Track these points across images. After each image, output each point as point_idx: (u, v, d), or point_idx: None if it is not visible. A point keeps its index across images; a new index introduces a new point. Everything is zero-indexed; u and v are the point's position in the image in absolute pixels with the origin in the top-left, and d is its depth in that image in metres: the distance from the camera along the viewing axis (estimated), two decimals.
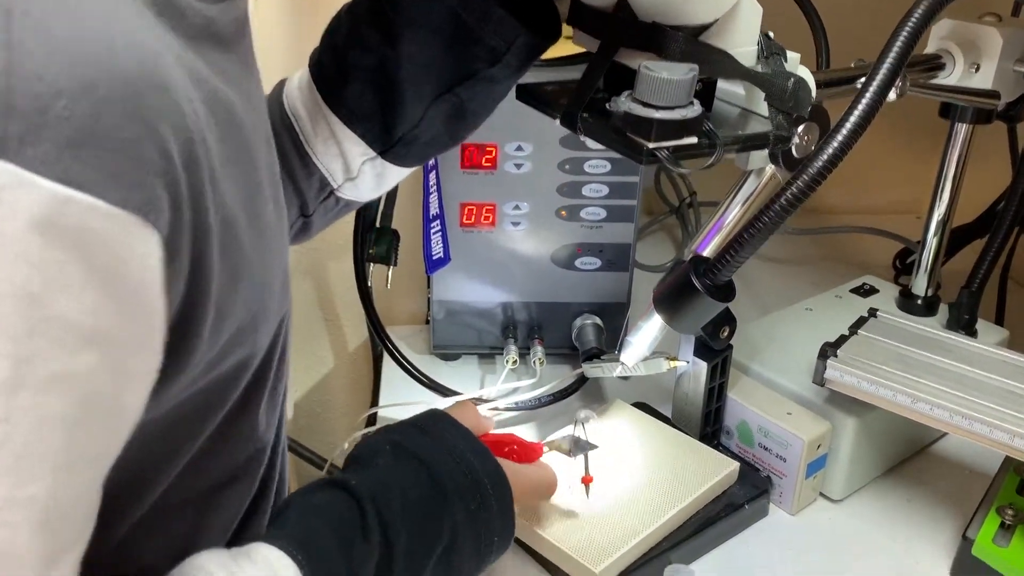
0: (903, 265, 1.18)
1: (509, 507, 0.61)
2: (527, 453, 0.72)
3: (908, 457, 0.88)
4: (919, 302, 0.95)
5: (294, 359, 1.15)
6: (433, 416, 0.65)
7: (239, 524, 0.54)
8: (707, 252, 0.74)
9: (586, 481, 0.72)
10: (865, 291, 0.99)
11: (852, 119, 0.57)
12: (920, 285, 0.95)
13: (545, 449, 0.73)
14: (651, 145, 0.55)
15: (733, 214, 0.72)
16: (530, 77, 0.68)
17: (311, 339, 1.12)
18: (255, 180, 0.46)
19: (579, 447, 0.74)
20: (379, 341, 0.96)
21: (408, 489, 0.57)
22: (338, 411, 1.17)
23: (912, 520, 0.81)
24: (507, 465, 0.63)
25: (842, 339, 0.80)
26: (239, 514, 0.54)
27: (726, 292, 0.68)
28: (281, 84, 0.70)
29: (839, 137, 0.57)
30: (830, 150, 0.57)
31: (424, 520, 0.56)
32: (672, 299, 0.70)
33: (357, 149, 0.67)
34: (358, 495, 0.54)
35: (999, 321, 1.05)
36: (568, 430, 0.80)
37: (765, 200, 0.60)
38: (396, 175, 0.71)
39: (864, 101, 0.57)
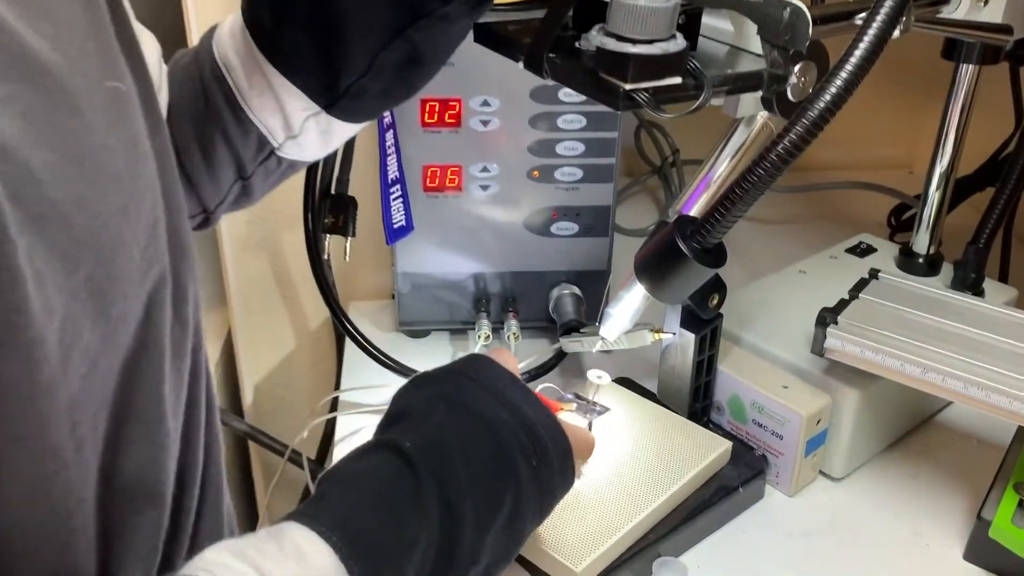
0: (899, 222, 1.12)
1: (569, 462, 0.55)
2: None
3: (912, 429, 0.82)
4: (920, 261, 0.89)
5: (250, 340, 1.09)
6: (480, 363, 0.57)
7: (163, 555, 0.47)
8: (694, 212, 0.67)
9: None
10: (862, 250, 0.93)
11: (856, 55, 0.50)
12: (922, 243, 0.88)
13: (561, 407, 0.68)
14: (628, 86, 0.48)
15: (722, 168, 0.66)
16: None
17: (268, 318, 1.05)
18: (64, 108, 0.38)
19: (590, 410, 0.69)
20: (336, 319, 0.89)
21: (470, 452, 0.50)
22: (301, 394, 1.10)
23: (920, 498, 0.75)
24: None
25: (842, 304, 0.74)
26: (156, 540, 0.46)
27: (716, 256, 0.61)
28: (211, 31, 0.62)
29: (842, 75, 0.50)
30: (832, 90, 0.50)
31: (489, 486, 0.50)
32: (656, 265, 0.63)
33: (298, 103, 0.60)
34: (411, 459, 0.48)
35: (1002, 279, 0.99)
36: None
37: (758, 151, 0.54)
38: (344, 132, 0.63)
39: (869, 35, 0.50)
